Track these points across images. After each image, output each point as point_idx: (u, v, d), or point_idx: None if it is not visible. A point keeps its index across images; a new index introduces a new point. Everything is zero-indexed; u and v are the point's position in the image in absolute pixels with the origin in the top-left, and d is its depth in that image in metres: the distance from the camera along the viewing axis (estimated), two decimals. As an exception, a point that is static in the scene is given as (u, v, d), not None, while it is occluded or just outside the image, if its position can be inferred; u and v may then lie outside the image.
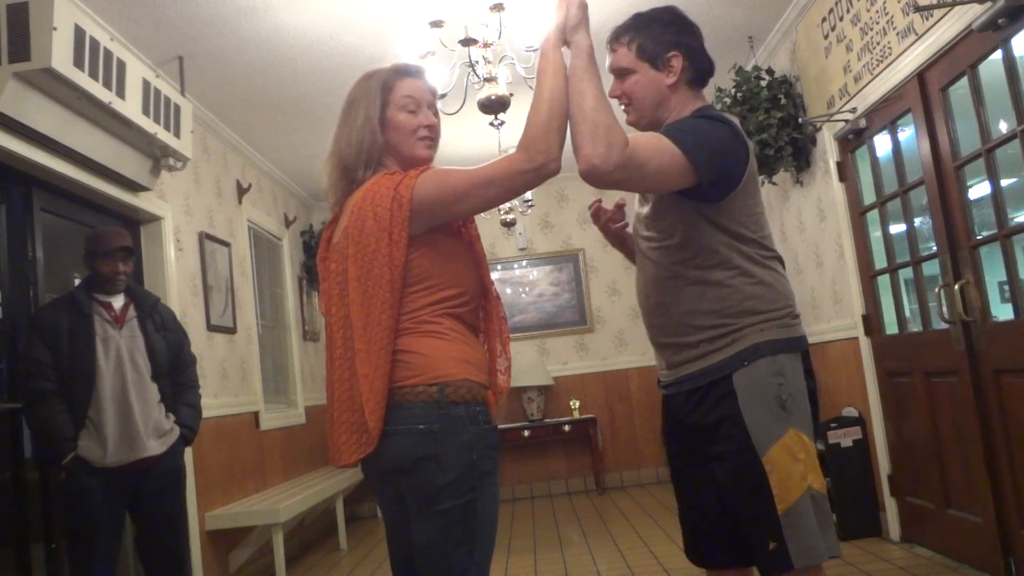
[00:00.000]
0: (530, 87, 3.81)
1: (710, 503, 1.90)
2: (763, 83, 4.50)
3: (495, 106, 3.54)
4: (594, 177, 1.65)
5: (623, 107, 1.95)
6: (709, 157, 1.74)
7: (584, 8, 1.73)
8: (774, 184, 4.83)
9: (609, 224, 2.13)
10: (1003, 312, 3.26)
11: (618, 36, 1.94)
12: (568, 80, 1.68)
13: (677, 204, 1.85)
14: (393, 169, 1.77)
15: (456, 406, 1.64)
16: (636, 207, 2.05)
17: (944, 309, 3.34)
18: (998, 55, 2.90)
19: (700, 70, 1.93)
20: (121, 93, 3.32)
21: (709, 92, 4.74)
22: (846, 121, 3.96)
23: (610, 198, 2.18)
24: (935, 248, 3.45)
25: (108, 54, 3.23)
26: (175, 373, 3.23)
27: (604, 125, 1.63)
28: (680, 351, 1.90)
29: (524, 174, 1.64)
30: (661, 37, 1.89)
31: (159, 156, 3.84)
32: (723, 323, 1.84)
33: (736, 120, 1.96)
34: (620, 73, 1.93)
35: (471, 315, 1.78)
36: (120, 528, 3.08)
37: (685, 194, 1.80)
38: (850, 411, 4.29)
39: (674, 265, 1.88)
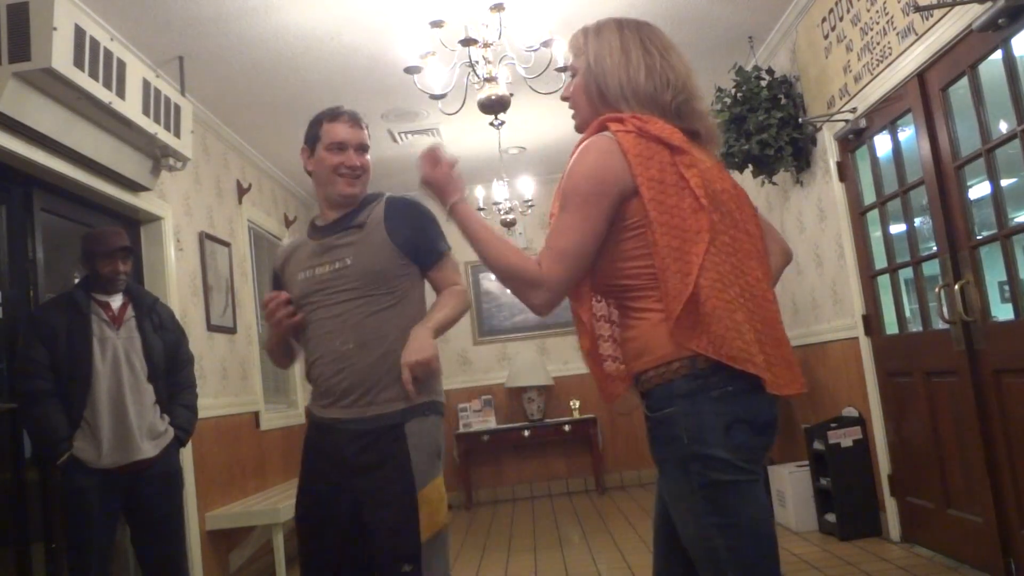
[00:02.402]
0: (530, 87, 3.83)
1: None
2: (763, 83, 4.50)
3: (495, 106, 3.54)
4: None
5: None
6: None
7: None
8: (774, 184, 4.83)
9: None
10: (1003, 312, 3.26)
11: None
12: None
13: None
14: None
15: None
16: None
17: (944, 309, 3.34)
18: (998, 55, 2.90)
19: None
20: (121, 93, 3.32)
21: (709, 92, 4.79)
22: (846, 121, 3.96)
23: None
24: (935, 248, 3.45)
25: (108, 54, 3.23)
26: (172, 373, 3.22)
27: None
28: None
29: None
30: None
31: (159, 156, 3.84)
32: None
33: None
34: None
35: None
36: (114, 528, 3.07)
37: None
38: (850, 411, 4.29)
39: None
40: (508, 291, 1.73)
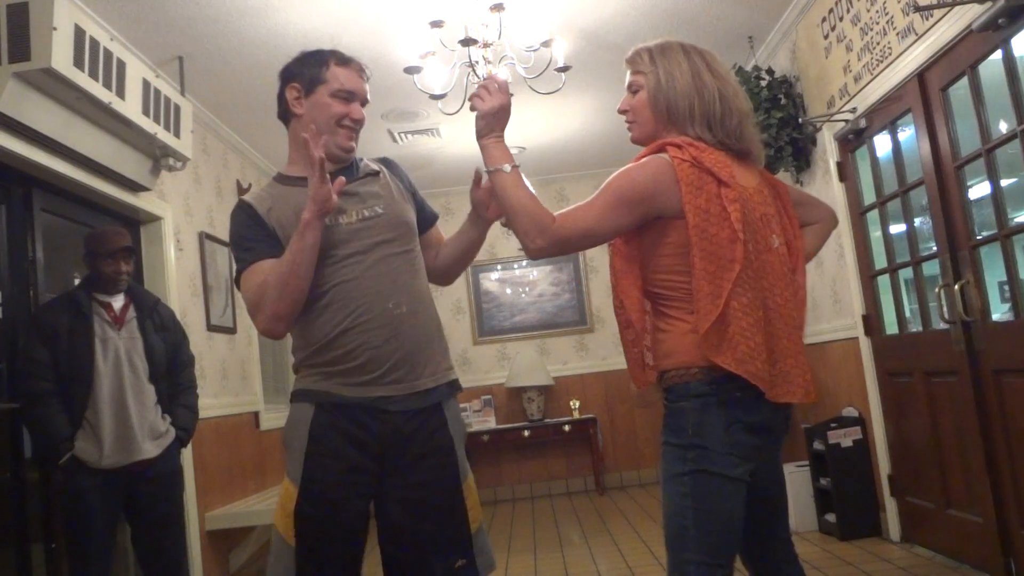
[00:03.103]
0: (530, 87, 3.83)
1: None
2: (763, 83, 4.50)
3: (495, 106, 3.53)
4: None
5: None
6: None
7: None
8: (774, 184, 4.83)
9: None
10: (1003, 312, 3.26)
11: None
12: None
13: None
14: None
15: None
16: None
17: (944, 309, 3.34)
18: (998, 55, 2.90)
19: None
20: (121, 93, 3.32)
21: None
22: (846, 121, 3.96)
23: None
24: (935, 248, 3.45)
25: (108, 54, 3.23)
26: (173, 373, 3.23)
27: None
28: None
29: None
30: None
31: (159, 156, 3.84)
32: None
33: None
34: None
35: None
36: (115, 528, 3.07)
37: None
38: (850, 411, 4.29)
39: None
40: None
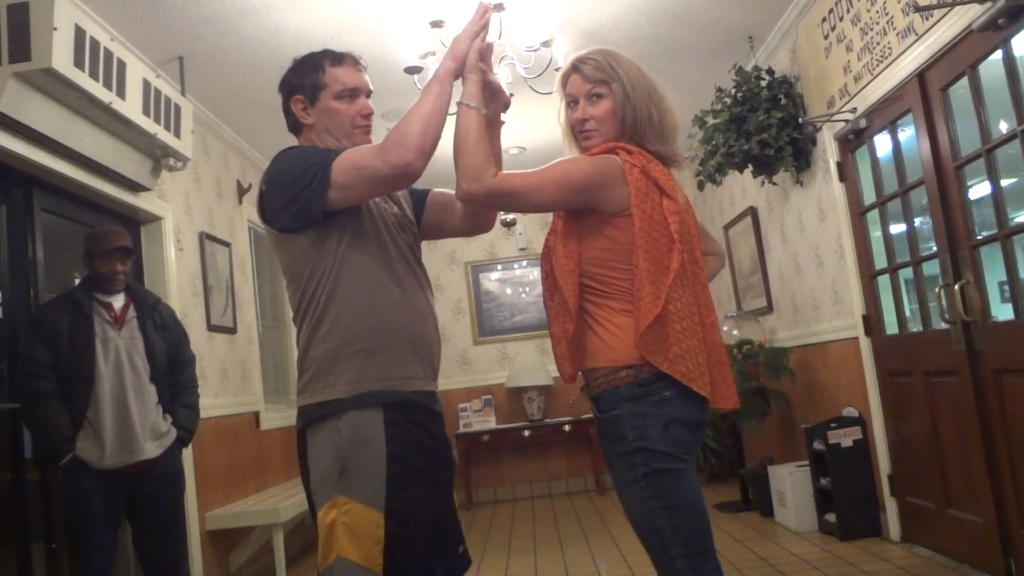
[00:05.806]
0: (531, 87, 3.83)
1: None
2: (763, 83, 4.50)
3: (495, 106, 3.53)
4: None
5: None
6: None
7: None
8: (774, 184, 4.83)
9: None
10: (1003, 312, 3.26)
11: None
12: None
13: None
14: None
15: None
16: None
17: (944, 309, 3.34)
18: (998, 55, 2.90)
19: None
20: (121, 93, 3.32)
21: (709, 92, 4.78)
22: (846, 121, 3.96)
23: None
24: (935, 248, 3.45)
25: (108, 54, 3.23)
26: (174, 373, 3.23)
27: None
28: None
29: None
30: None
31: (159, 156, 3.84)
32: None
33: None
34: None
35: None
36: (116, 529, 3.07)
37: None
38: (850, 411, 4.29)
39: None
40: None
